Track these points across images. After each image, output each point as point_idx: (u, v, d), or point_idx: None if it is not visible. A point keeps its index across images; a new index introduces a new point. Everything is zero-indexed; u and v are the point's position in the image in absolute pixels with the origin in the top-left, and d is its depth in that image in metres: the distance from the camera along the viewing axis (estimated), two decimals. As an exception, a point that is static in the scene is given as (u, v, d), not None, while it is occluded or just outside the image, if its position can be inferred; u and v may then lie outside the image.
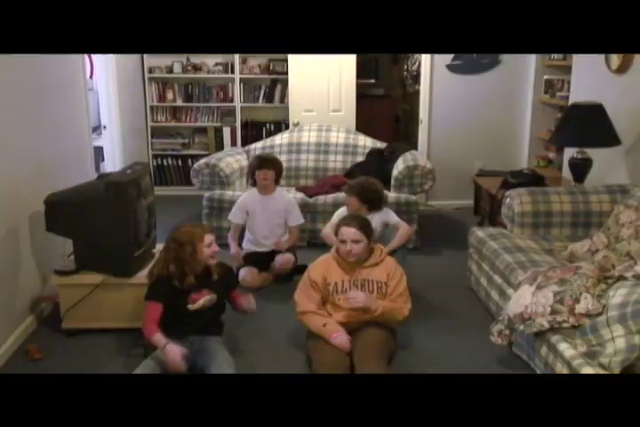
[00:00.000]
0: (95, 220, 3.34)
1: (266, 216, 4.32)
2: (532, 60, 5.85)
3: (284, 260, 4.19)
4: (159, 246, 3.82)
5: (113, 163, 5.74)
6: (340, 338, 2.96)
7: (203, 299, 3.08)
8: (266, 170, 4.30)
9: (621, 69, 4.14)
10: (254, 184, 4.42)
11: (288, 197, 4.50)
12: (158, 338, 2.92)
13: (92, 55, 5.64)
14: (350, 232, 3.14)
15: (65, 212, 3.40)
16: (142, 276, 3.44)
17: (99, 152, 5.60)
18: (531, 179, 4.63)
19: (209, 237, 3.09)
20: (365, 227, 3.21)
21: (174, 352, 2.81)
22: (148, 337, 2.98)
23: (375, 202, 3.91)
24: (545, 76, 5.75)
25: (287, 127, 6.42)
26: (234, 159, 5.30)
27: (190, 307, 3.06)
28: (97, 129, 5.71)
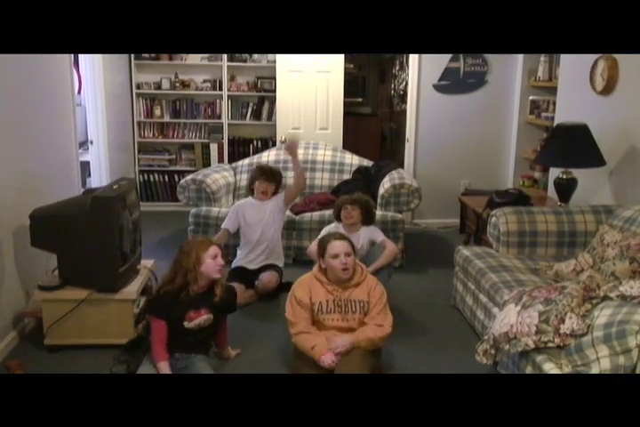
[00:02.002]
0: (80, 235, 3.32)
1: (260, 218, 4.33)
2: (517, 80, 5.92)
3: (266, 278, 4.17)
4: (144, 262, 3.81)
5: (99, 178, 5.72)
6: (326, 360, 2.94)
7: (199, 318, 3.06)
8: (267, 183, 4.33)
9: (606, 91, 4.20)
10: (251, 194, 4.45)
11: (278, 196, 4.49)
12: (164, 368, 2.94)
13: (81, 71, 5.65)
14: (343, 245, 3.16)
15: (50, 227, 3.38)
16: (127, 291, 3.43)
17: (85, 167, 5.59)
18: (516, 198, 4.65)
19: (214, 249, 3.07)
20: (351, 242, 3.25)
21: None
22: (155, 360, 2.99)
23: (372, 216, 4.12)
24: (530, 97, 5.82)
25: (274, 144, 6.44)
26: (220, 176, 5.29)
27: (186, 324, 3.04)
28: (84, 144, 5.70)
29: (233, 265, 4.35)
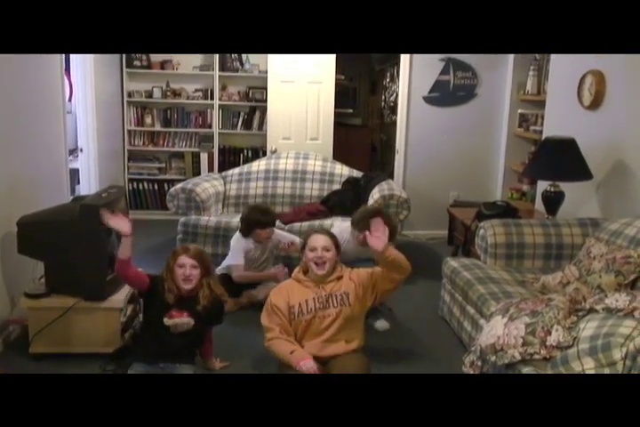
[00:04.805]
0: (68, 243, 3.31)
1: (260, 257, 4.37)
2: (506, 94, 5.96)
3: (263, 293, 4.03)
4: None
5: (88, 186, 5.70)
6: (308, 364, 2.86)
7: (180, 318, 3.06)
8: (270, 229, 4.29)
9: (593, 106, 4.24)
10: (247, 235, 4.30)
11: (278, 233, 4.49)
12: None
13: (72, 78, 5.64)
14: (321, 239, 3.14)
15: (38, 234, 3.37)
16: (114, 300, 3.41)
17: (74, 175, 5.57)
18: (504, 211, 4.67)
19: (184, 259, 3.07)
20: (334, 237, 3.22)
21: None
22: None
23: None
24: (519, 110, 5.87)
25: (264, 154, 6.45)
26: (210, 185, 5.30)
27: (165, 321, 3.04)
28: (74, 151, 5.69)
29: (219, 271, 4.28)
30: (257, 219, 4.25)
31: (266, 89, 6.36)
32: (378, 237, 2.97)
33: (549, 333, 2.64)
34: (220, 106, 6.65)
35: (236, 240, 4.34)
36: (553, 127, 4.88)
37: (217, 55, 6.48)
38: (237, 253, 4.28)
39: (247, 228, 4.28)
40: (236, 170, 5.76)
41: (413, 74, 5.98)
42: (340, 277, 3.17)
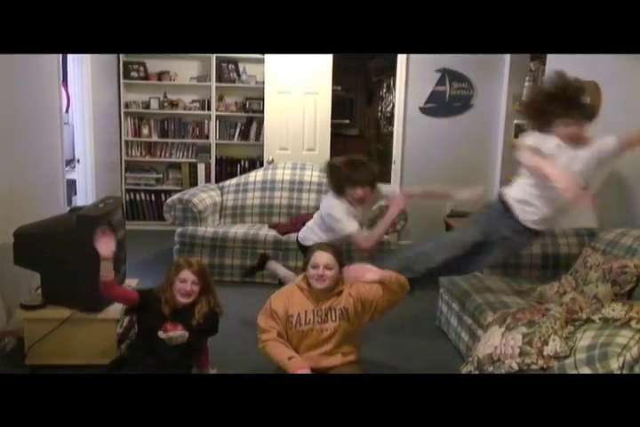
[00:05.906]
0: (65, 253, 3.30)
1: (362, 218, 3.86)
2: (502, 104, 6.00)
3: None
4: (129, 281, 3.79)
5: (85, 196, 5.71)
6: (301, 372, 2.79)
7: (173, 332, 3.05)
8: (368, 188, 3.65)
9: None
10: (338, 192, 3.67)
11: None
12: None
13: (69, 89, 5.66)
14: (324, 257, 3.07)
15: (34, 245, 3.36)
16: (110, 311, 3.40)
17: (71, 185, 5.57)
18: (501, 221, 4.67)
19: (186, 273, 3.05)
20: (339, 254, 3.16)
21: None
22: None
23: None
24: (515, 121, 5.88)
25: (262, 165, 6.46)
26: (207, 195, 5.30)
27: (160, 334, 3.03)
28: (70, 162, 5.69)
29: (308, 242, 3.79)
30: (349, 173, 3.60)
31: (263, 100, 6.39)
32: (366, 276, 2.95)
33: (546, 343, 2.64)
34: (217, 117, 6.67)
35: (336, 205, 3.66)
36: (549, 137, 4.88)
37: (214, 66, 6.51)
38: (344, 217, 3.60)
39: (337, 186, 3.66)
40: (233, 180, 5.77)
41: (409, 85, 6.01)
42: (340, 293, 3.12)
